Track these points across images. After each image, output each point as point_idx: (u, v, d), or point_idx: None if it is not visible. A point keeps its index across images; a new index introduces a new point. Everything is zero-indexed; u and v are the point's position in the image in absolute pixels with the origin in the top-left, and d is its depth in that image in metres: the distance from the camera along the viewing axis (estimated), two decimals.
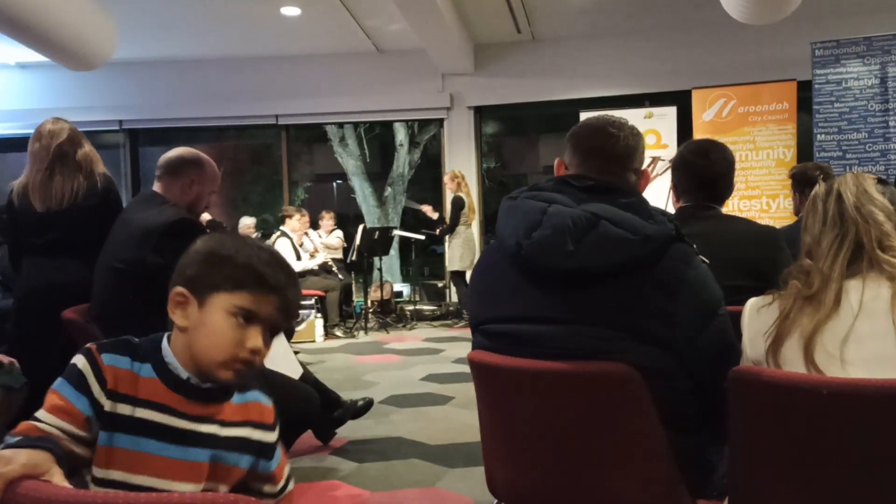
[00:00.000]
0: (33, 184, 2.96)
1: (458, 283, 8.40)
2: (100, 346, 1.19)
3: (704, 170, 2.46)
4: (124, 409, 1.17)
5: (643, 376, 1.52)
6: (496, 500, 1.87)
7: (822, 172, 3.43)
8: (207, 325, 1.20)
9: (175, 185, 2.64)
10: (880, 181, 1.55)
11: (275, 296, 1.21)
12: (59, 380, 1.16)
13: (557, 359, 1.56)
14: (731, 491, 1.60)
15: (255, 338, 1.20)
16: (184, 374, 1.22)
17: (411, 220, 13.60)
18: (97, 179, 3.01)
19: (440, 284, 10.00)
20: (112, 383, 1.17)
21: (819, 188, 1.56)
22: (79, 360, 1.17)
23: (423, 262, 13.13)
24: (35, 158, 2.98)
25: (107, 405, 1.16)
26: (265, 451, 1.29)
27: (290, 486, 1.37)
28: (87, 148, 3.05)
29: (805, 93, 7.28)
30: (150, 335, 1.26)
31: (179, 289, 1.22)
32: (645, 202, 1.63)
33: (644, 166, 1.84)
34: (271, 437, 1.31)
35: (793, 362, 1.45)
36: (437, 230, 8.48)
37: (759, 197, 7.49)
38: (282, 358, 3.20)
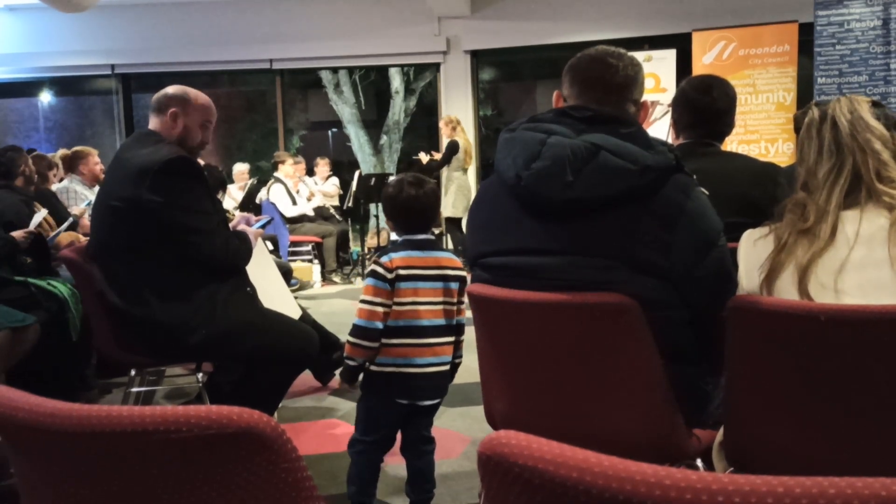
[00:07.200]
0: None
1: (452, 231, 8.38)
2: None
3: (707, 106, 2.43)
4: None
5: (641, 306, 1.53)
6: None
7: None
8: None
9: (161, 120, 2.62)
10: (875, 104, 1.52)
11: None
12: None
13: (556, 290, 1.57)
14: (726, 419, 1.63)
15: None
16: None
17: (407, 168, 13.50)
18: None
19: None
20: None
21: (813, 114, 1.53)
22: None
23: None
24: None
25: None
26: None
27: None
28: None
29: (806, 35, 7.18)
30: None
31: None
32: (645, 132, 1.62)
33: (643, 99, 1.81)
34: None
35: (787, 294, 1.45)
36: (428, 158, 8.33)
37: (758, 141, 7.44)
38: (281, 299, 3.21)
